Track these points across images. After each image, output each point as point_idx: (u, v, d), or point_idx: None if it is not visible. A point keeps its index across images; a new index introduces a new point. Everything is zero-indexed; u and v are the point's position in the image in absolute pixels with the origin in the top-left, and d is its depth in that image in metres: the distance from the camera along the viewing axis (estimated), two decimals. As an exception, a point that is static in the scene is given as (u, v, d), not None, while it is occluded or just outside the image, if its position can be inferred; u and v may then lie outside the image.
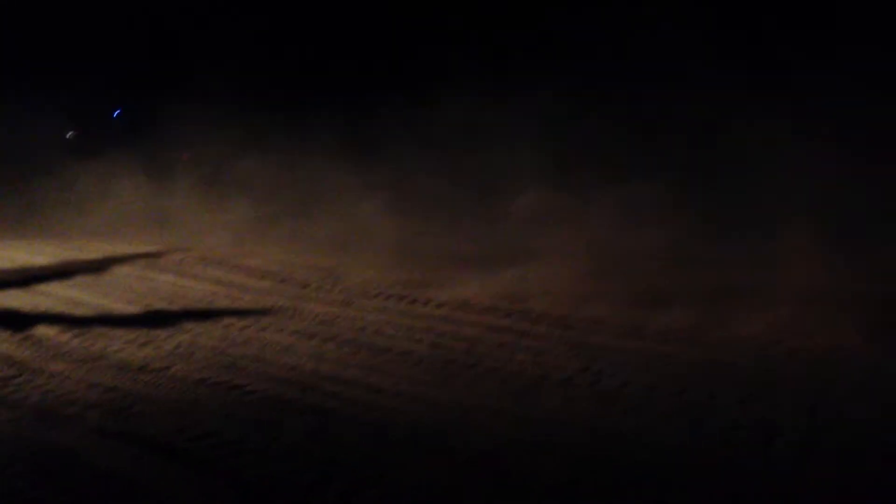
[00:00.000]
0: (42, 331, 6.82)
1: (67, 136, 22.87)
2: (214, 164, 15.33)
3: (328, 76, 17.54)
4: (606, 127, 11.34)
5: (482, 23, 15.46)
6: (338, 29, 17.73)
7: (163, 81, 18.89)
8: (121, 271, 9.74)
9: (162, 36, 21.56)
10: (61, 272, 9.68)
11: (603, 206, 9.38)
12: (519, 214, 11.94)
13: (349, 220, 12.58)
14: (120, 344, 6.46)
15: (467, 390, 5.22)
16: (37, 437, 4.30)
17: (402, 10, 16.50)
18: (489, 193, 13.51)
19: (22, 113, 24.51)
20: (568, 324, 6.89)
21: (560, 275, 8.41)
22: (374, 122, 15.67)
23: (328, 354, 6.13)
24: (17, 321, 7.13)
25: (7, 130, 24.37)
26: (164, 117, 17.14)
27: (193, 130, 15.58)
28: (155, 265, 10.09)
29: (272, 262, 10.33)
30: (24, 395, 5.09)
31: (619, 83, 12.66)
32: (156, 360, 5.97)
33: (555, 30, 14.11)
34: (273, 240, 12.30)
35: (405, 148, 15.45)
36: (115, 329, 6.95)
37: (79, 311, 7.61)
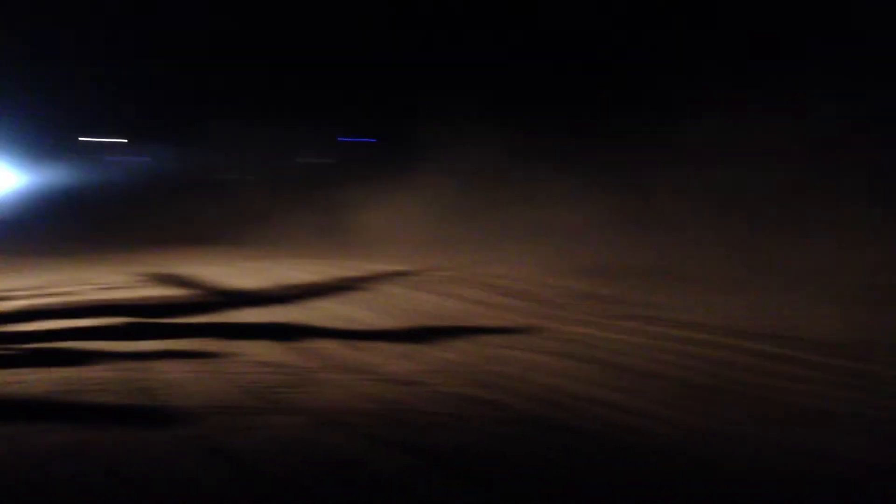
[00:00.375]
0: (319, 343, 7.33)
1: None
2: (467, 186, 15.94)
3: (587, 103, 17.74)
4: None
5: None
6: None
7: (423, 108, 19.89)
8: (383, 289, 10.29)
9: (422, 68, 22.76)
10: (329, 289, 10.42)
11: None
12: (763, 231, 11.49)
13: (599, 245, 12.65)
14: (386, 357, 6.80)
15: (731, 417, 5.02)
16: (317, 443, 4.60)
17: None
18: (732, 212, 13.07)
19: (285, 140, 26.91)
20: (845, 353, 6.44)
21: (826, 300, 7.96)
22: (623, 145, 15.63)
23: (585, 375, 6.10)
24: (298, 334, 7.73)
25: (278, 157, 26.91)
26: (421, 143, 18.12)
27: (449, 156, 16.32)
28: (414, 283, 10.58)
29: (522, 282, 10.54)
30: (303, 402, 5.46)
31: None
32: (420, 374, 6.22)
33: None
34: (520, 259, 12.57)
35: (653, 168, 15.25)
36: (381, 343, 7.34)
37: (349, 326, 8.10)
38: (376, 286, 10.47)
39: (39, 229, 23.95)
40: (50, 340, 7.51)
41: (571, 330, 7.76)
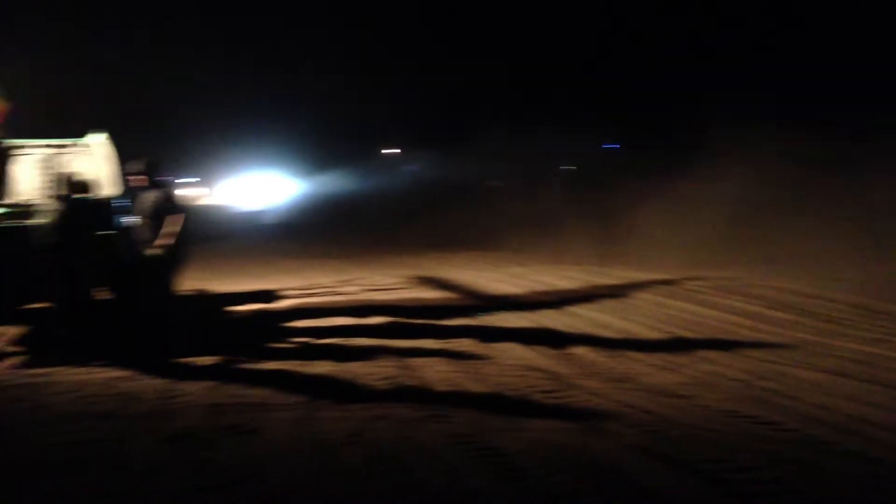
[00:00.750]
0: (576, 350, 7.40)
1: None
2: (742, 192, 15.35)
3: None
4: None
5: None
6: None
7: (698, 114, 19.62)
8: (640, 297, 10.15)
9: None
10: (586, 296, 10.44)
11: None
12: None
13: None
14: (645, 367, 6.72)
15: None
16: (581, 449, 4.64)
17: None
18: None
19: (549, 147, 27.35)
20: None
21: None
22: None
23: (866, 396, 5.65)
24: (555, 339, 7.85)
25: (541, 164, 27.50)
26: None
27: (724, 161, 15.85)
28: (672, 292, 10.33)
29: (793, 294, 9.92)
30: (566, 407, 5.55)
31: None
32: (681, 386, 6.08)
33: None
34: (785, 271, 11.84)
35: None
36: (639, 352, 7.26)
37: (605, 333, 8.10)
38: (634, 294, 10.34)
39: (314, 233, 26.10)
40: (318, 336, 8.21)
41: (848, 346, 7.20)
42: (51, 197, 7.82)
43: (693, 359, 6.98)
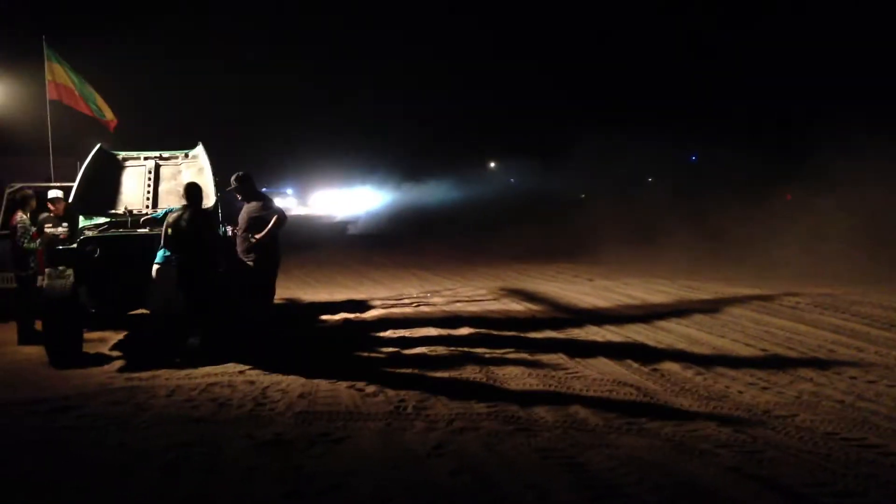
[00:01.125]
0: (667, 366, 7.23)
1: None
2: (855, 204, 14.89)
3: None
4: None
5: None
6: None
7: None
8: (735, 312, 9.86)
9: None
10: (679, 311, 10.21)
11: None
12: None
13: None
14: (740, 385, 6.51)
15: None
16: (672, 468, 4.52)
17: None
18: None
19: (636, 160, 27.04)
20: None
21: None
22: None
23: None
24: (645, 355, 7.70)
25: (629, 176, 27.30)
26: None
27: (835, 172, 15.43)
28: (768, 308, 10.00)
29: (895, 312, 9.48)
30: (659, 425, 5.39)
31: None
32: (778, 406, 5.87)
33: None
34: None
35: None
36: (733, 370, 7.04)
37: (698, 350, 7.89)
38: (728, 309, 10.06)
39: (405, 244, 26.34)
40: (406, 346, 8.27)
41: (958, 368, 6.83)
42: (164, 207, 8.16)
43: (791, 378, 6.74)
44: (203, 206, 8.08)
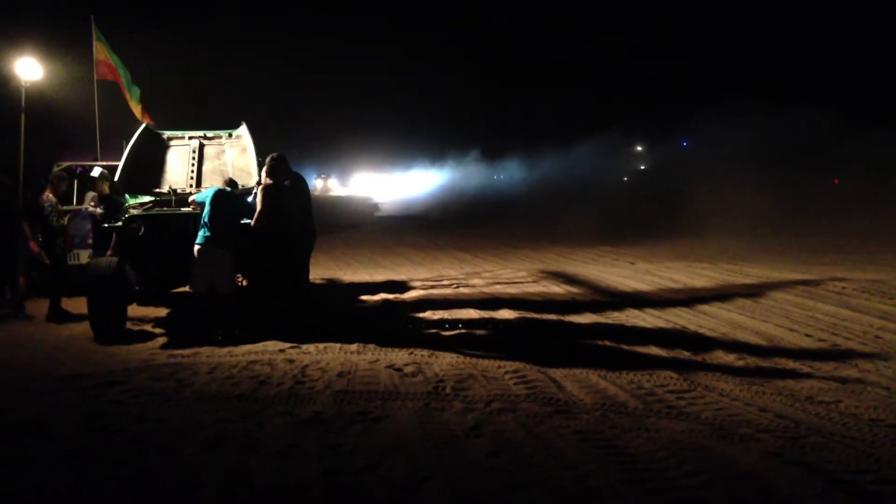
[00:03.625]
0: (708, 349, 7.12)
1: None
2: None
3: None
4: None
5: None
6: None
7: None
8: (779, 297, 9.69)
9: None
10: (722, 295, 10.07)
11: None
12: None
13: None
14: (783, 370, 6.41)
15: None
16: (711, 453, 4.46)
17: None
18: None
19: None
20: None
21: None
22: None
23: None
24: (687, 339, 7.60)
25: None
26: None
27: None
28: (813, 293, 9.81)
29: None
30: (699, 409, 5.34)
31: None
32: (822, 392, 5.77)
33: None
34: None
35: None
36: (776, 355, 6.93)
37: (741, 335, 7.77)
38: (772, 294, 9.90)
39: (446, 226, 26.36)
40: (445, 328, 8.26)
41: None
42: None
43: (835, 364, 6.62)
44: (245, 186, 8.14)
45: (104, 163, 10.15)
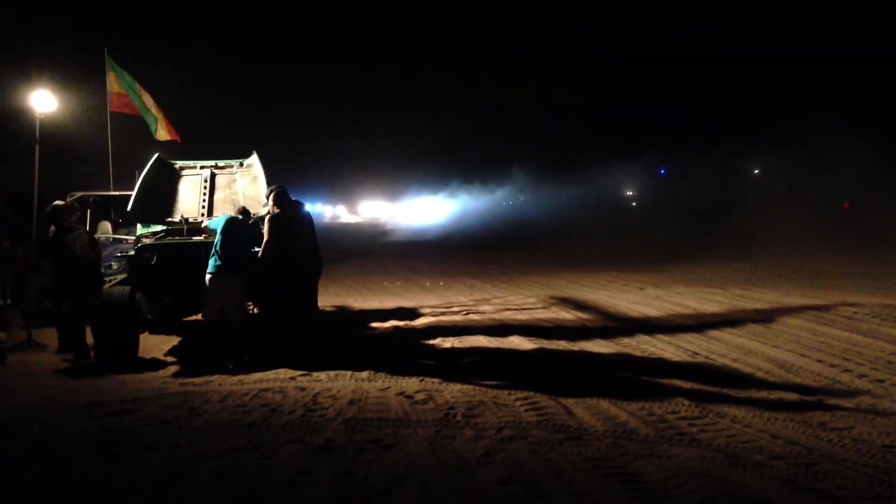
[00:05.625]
0: (718, 375, 7.11)
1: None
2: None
3: None
4: None
5: None
6: None
7: None
8: (790, 322, 9.66)
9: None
10: (732, 320, 10.04)
11: None
12: None
13: None
14: (795, 396, 6.35)
15: None
16: (724, 480, 4.44)
17: None
18: None
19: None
20: None
21: None
22: None
23: None
24: (698, 365, 7.59)
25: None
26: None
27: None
28: (825, 318, 9.78)
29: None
30: (711, 435, 5.32)
31: None
32: (834, 418, 5.72)
33: None
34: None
35: None
36: (788, 381, 6.90)
37: (752, 361, 7.72)
38: (784, 320, 9.87)
39: (455, 253, 26.41)
40: (455, 355, 8.27)
41: None
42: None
43: (847, 389, 6.59)
44: (257, 215, 8.20)
45: (117, 192, 10.25)
